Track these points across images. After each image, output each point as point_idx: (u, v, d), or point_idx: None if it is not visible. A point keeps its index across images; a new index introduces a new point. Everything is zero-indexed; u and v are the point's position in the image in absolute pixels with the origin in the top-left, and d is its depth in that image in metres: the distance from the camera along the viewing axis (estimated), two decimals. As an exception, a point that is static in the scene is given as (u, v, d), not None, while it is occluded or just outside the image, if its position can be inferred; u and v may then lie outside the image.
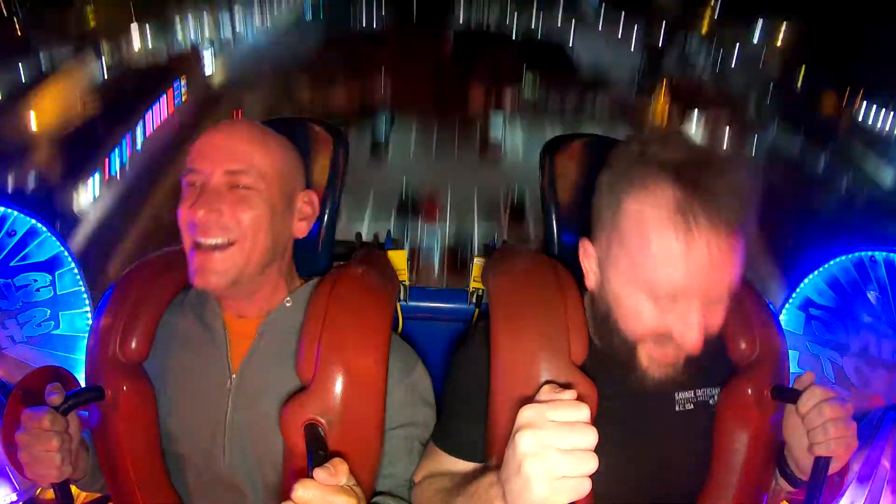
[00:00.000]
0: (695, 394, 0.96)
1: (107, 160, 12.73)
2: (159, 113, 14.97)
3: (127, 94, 14.24)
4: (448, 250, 14.80)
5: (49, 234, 1.76)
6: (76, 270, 1.78)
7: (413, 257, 14.29)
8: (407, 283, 1.36)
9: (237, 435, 0.94)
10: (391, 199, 15.85)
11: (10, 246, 1.72)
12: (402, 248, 1.39)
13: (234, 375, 0.96)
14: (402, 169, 16.87)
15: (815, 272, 1.74)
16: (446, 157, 17.64)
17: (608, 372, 0.90)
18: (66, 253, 1.77)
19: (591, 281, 0.90)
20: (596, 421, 0.66)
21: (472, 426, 0.93)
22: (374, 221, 14.93)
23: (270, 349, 0.97)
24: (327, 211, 1.14)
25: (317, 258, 1.14)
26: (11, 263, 1.72)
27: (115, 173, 12.88)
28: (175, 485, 0.99)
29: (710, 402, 0.97)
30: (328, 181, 1.14)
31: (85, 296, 1.78)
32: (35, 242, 1.73)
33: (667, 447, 0.94)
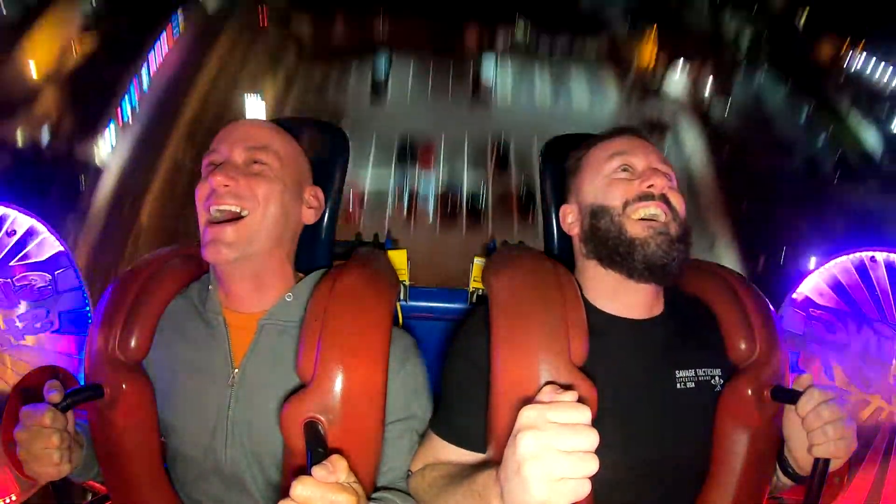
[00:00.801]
0: (695, 373, 0.98)
1: (118, 109, 11.83)
2: (160, 51, 14.00)
3: (122, 28, 13.03)
4: (440, 196, 15.66)
5: (49, 233, 1.75)
6: (76, 270, 1.77)
7: (411, 203, 15.35)
8: (407, 282, 1.36)
9: (238, 429, 0.95)
10: (390, 143, 16.29)
11: (10, 245, 1.72)
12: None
13: (235, 370, 0.96)
14: (401, 111, 17.16)
15: (815, 272, 1.74)
16: (441, 99, 17.88)
17: (612, 341, 0.94)
18: (66, 253, 1.77)
19: (574, 226, 1.07)
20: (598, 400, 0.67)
21: (471, 415, 0.94)
22: (375, 168, 15.56)
23: (272, 345, 0.97)
24: (327, 210, 1.14)
25: (317, 258, 1.14)
26: (11, 263, 1.71)
27: (128, 119, 12.03)
28: (175, 478, 0.99)
29: (712, 381, 0.98)
30: (329, 180, 1.14)
31: (85, 295, 1.78)
32: (35, 242, 1.73)
33: (668, 423, 0.95)
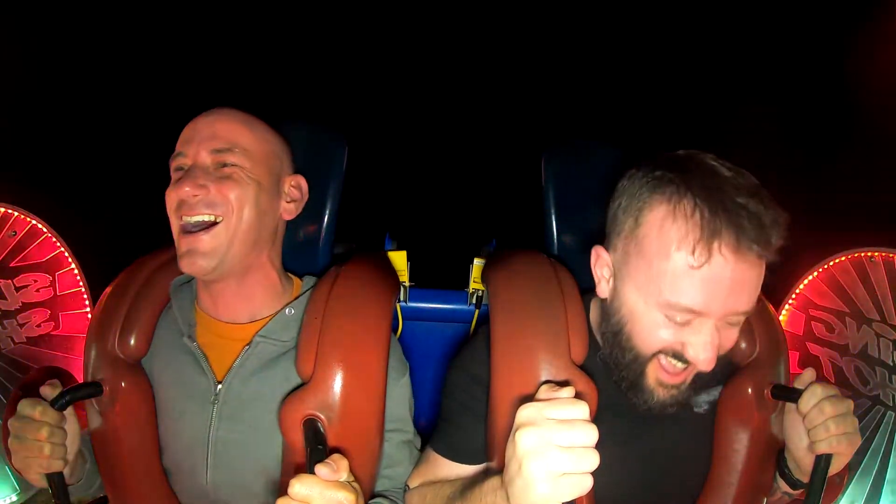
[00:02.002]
0: (709, 393, 0.96)
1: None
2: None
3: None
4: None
5: (49, 234, 1.76)
6: (76, 270, 1.78)
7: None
8: (407, 283, 1.36)
9: (221, 450, 0.92)
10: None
11: (11, 246, 1.72)
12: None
13: (219, 386, 0.93)
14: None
15: (815, 272, 1.74)
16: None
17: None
18: (66, 253, 1.77)
19: (603, 290, 0.88)
20: (599, 416, 0.65)
21: (472, 430, 0.93)
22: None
23: (264, 358, 0.94)
24: (327, 211, 1.14)
25: (317, 258, 1.14)
26: (11, 264, 1.72)
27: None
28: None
29: (714, 399, 0.98)
30: (329, 181, 1.14)
31: (85, 296, 1.78)
32: (35, 243, 1.74)
33: (670, 440, 0.94)
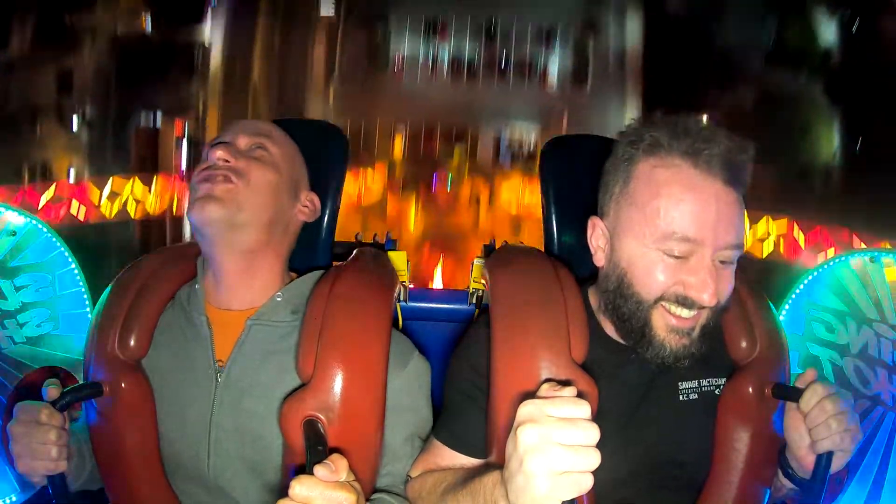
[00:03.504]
0: (699, 384, 0.97)
1: None
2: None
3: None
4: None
5: (49, 234, 1.76)
6: (76, 270, 1.77)
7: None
8: (407, 283, 1.36)
9: (223, 436, 0.92)
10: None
11: (11, 246, 1.72)
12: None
13: (221, 372, 0.94)
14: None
15: (815, 273, 1.74)
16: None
17: (616, 359, 0.92)
18: (66, 253, 1.77)
19: (599, 258, 0.93)
20: (598, 411, 0.66)
21: (473, 420, 0.93)
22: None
23: (258, 346, 0.95)
24: (328, 211, 1.14)
25: (317, 258, 1.14)
26: (11, 264, 1.71)
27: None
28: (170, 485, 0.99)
29: (716, 391, 0.98)
30: (328, 181, 1.15)
31: (85, 296, 1.78)
32: (35, 243, 1.73)
33: (670, 436, 0.95)
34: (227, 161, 0.93)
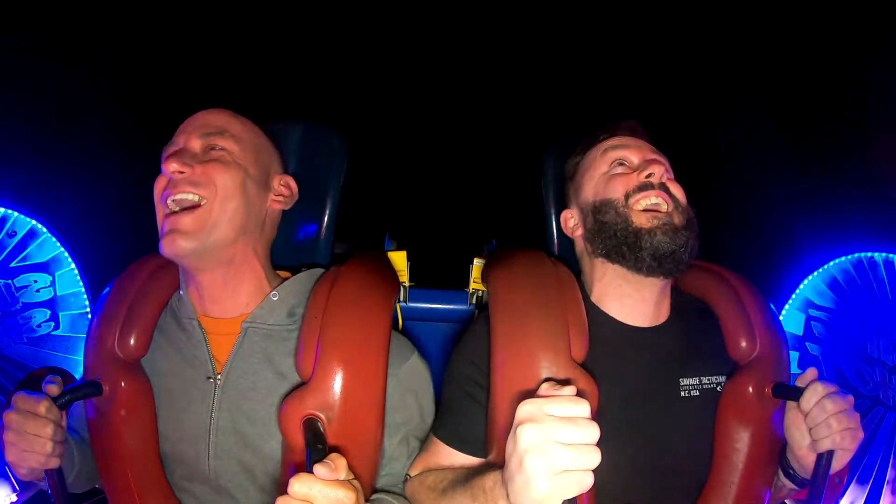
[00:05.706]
0: (700, 380, 0.98)
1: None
2: None
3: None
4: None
5: (49, 234, 1.76)
6: (76, 270, 1.78)
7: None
8: (407, 283, 1.36)
9: (223, 438, 0.92)
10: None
11: (11, 247, 1.72)
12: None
13: (219, 376, 0.93)
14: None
15: (815, 273, 1.74)
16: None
17: (616, 350, 0.94)
18: (66, 253, 1.77)
19: (578, 234, 1.08)
20: (599, 407, 0.66)
21: (473, 418, 0.93)
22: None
23: (257, 349, 0.94)
24: (327, 211, 1.14)
25: (317, 258, 1.14)
26: (12, 264, 1.72)
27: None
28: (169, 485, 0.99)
29: (717, 388, 0.98)
30: (328, 181, 1.14)
31: (85, 296, 1.78)
32: (35, 243, 1.74)
33: (671, 433, 0.95)
34: (182, 173, 0.88)
